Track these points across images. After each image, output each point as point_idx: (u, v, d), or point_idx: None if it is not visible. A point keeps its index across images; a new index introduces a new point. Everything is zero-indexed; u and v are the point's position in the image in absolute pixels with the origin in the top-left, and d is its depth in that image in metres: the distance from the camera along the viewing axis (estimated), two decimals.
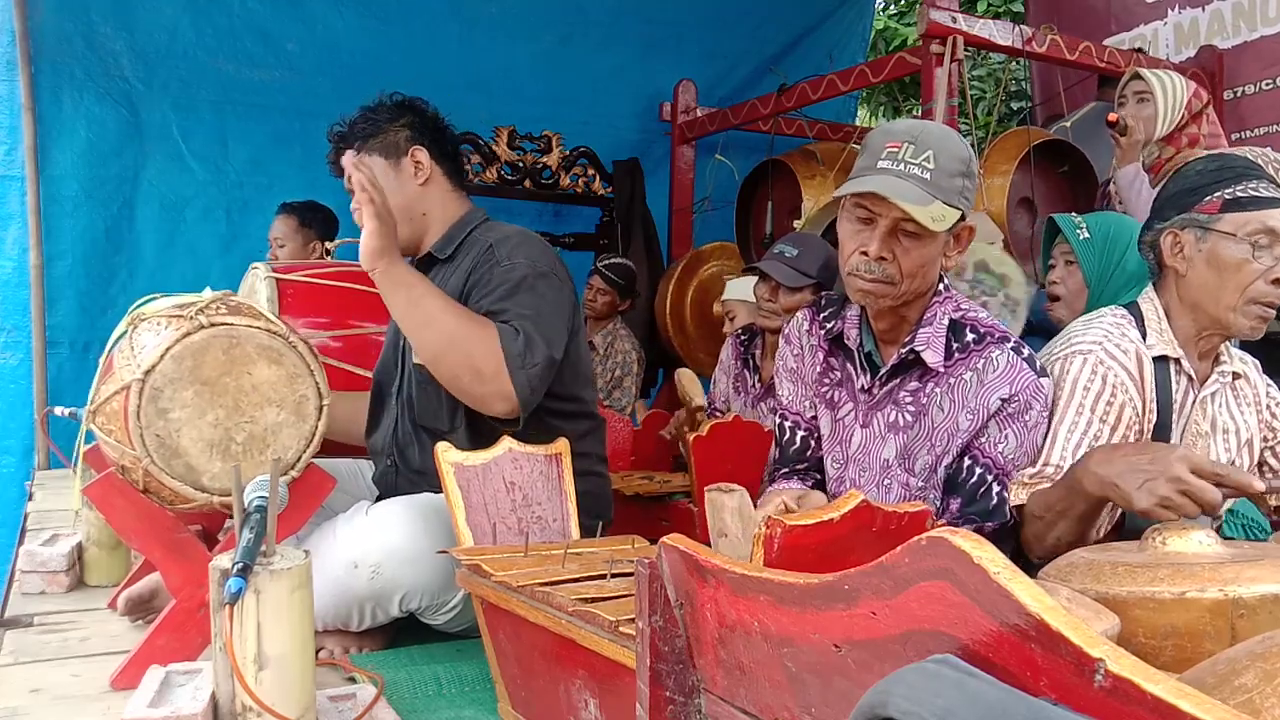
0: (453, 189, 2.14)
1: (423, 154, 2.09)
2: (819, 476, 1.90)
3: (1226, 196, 1.73)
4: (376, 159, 2.08)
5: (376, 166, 2.05)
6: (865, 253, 1.62)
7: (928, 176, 1.57)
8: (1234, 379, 1.88)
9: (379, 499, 1.91)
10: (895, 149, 1.60)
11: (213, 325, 1.55)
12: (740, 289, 3.33)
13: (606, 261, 4.32)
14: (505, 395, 1.75)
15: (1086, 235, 2.35)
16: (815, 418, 1.88)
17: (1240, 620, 1.00)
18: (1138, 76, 3.16)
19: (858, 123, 6.06)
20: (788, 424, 1.92)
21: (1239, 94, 4.20)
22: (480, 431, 1.85)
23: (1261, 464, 1.93)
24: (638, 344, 4.31)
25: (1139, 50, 3.82)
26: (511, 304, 1.82)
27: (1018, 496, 1.69)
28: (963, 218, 1.63)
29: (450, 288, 1.98)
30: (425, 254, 2.09)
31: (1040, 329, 2.92)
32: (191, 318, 1.54)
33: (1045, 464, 1.69)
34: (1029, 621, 0.58)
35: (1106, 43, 4.36)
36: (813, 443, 1.89)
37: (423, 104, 2.19)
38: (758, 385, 3.09)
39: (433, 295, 1.80)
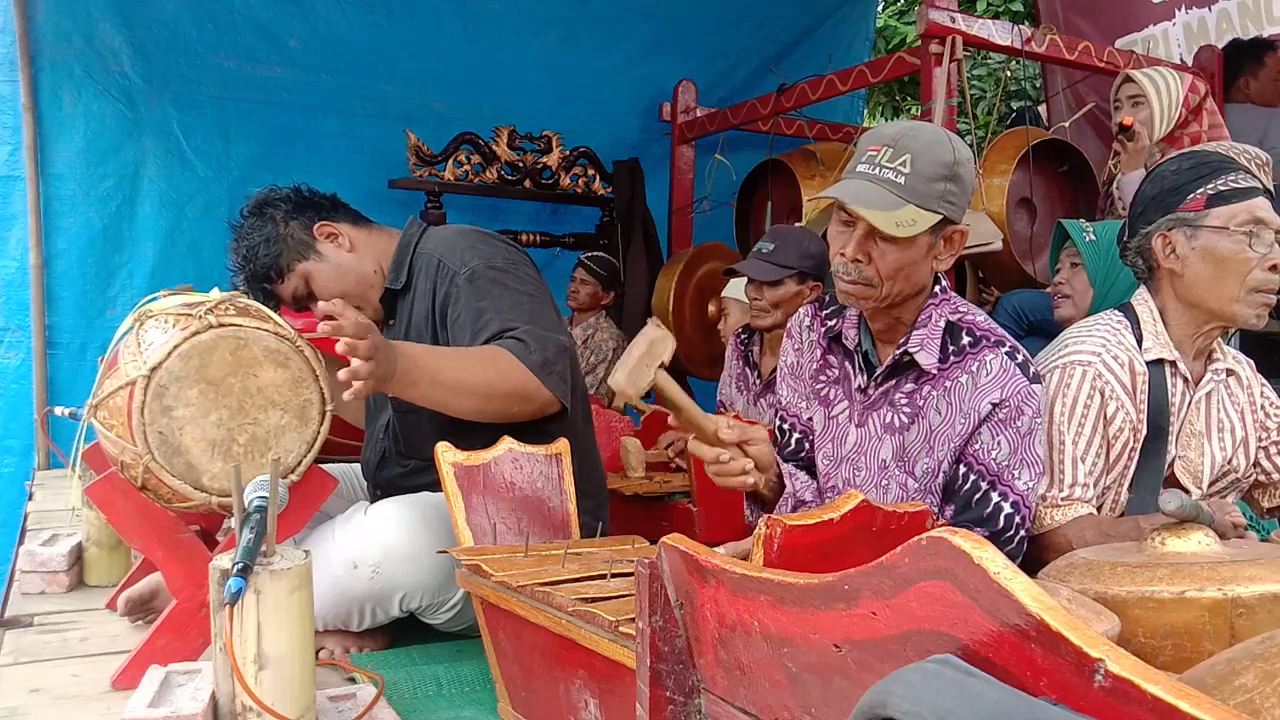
0: (369, 229, 2.08)
1: (324, 226, 2.02)
2: (813, 474, 1.91)
3: (1209, 192, 1.74)
4: (302, 268, 2.00)
5: (312, 273, 1.99)
6: (844, 254, 1.64)
7: (901, 181, 1.57)
8: (1228, 375, 1.89)
9: None
10: (875, 152, 1.61)
11: (221, 325, 1.55)
12: (737, 288, 3.36)
13: (590, 254, 4.46)
14: (548, 402, 1.78)
15: (1092, 238, 2.39)
16: (811, 419, 1.88)
17: (1239, 620, 1.00)
18: (1129, 80, 3.15)
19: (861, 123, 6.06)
20: (785, 425, 1.93)
21: None
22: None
23: (1256, 464, 1.94)
24: (619, 334, 4.38)
25: (1134, 52, 3.83)
26: (497, 315, 1.81)
27: (1052, 518, 1.74)
28: (949, 221, 1.63)
29: (417, 315, 1.97)
30: (384, 291, 2.05)
31: (1040, 330, 2.93)
32: (200, 317, 1.54)
33: (1073, 484, 1.74)
34: (1029, 621, 0.58)
35: (1118, 44, 4.36)
36: (807, 445, 1.90)
37: (268, 190, 2.08)
38: (758, 382, 3.11)
39: (445, 362, 1.72)
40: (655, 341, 1.51)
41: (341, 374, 1.52)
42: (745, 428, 1.59)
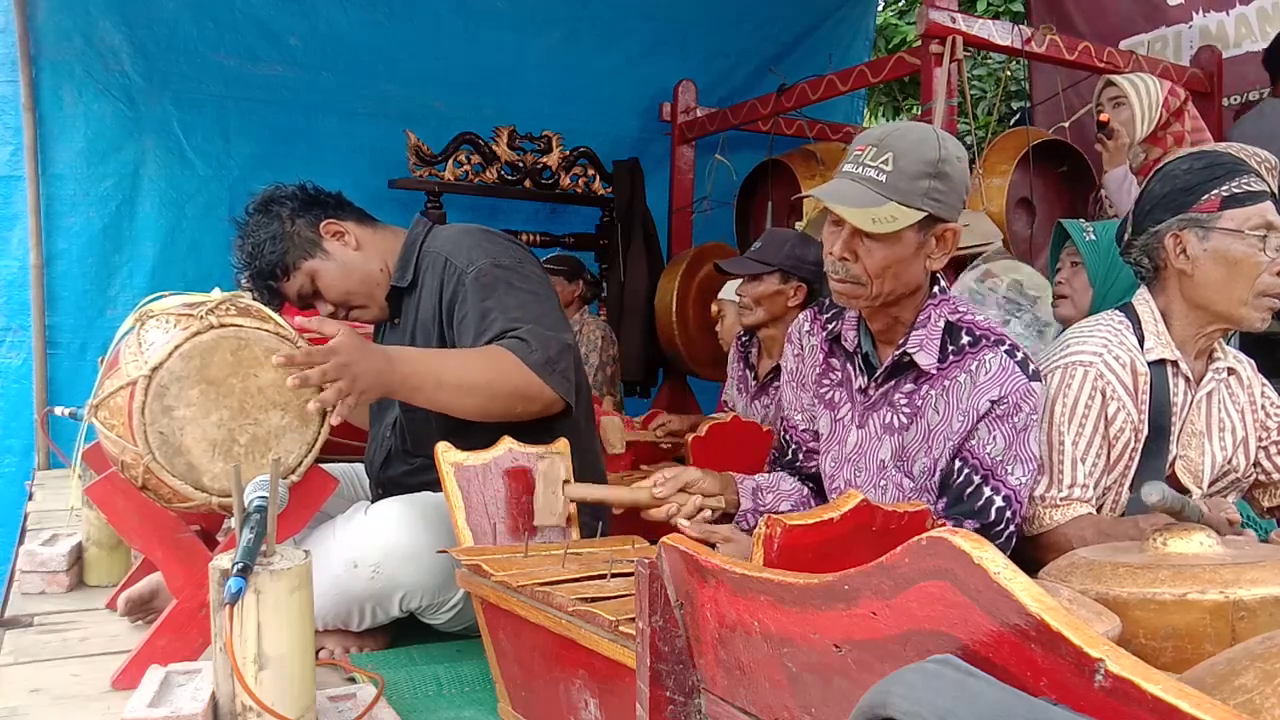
0: (374, 228, 2.07)
1: (331, 224, 2.00)
2: (811, 482, 1.91)
3: (1224, 194, 1.74)
4: (308, 266, 1.98)
5: (318, 271, 1.98)
6: (832, 253, 1.66)
7: (883, 179, 1.59)
8: (1228, 374, 1.89)
9: None
10: (860, 152, 1.63)
11: (222, 326, 1.55)
12: (730, 290, 3.40)
13: (544, 259, 4.46)
14: (551, 401, 1.78)
15: (1092, 238, 2.40)
16: (808, 430, 1.89)
17: (1241, 622, 1.00)
18: (1111, 83, 3.21)
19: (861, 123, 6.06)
20: (785, 435, 1.94)
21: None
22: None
23: (1256, 463, 1.94)
24: (605, 325, 4.41)
25: (1134, 53, 3.83)
26: (501, 315, 1.81)
27: (1051, 518, 1.74)
28: (937, 219, 1.63)
29: (424, 313, 1.96)
30: (390, 289, 2.04)
31: None
32: (201, 317, 1.54)
33: (1072, 485, 1.74)
34: (1029, 622, 0.58)
35: (1125, 45, 4.35)
36: (801, 455, 1.91)
37: (274, 187, 2.05)
38: (754, 384, 3.13)
39: (447, 365, 1.72)
40: (546, 471, 1.63)
41: (310, 406, 1.56)
42: (674, 477, 1.69)
